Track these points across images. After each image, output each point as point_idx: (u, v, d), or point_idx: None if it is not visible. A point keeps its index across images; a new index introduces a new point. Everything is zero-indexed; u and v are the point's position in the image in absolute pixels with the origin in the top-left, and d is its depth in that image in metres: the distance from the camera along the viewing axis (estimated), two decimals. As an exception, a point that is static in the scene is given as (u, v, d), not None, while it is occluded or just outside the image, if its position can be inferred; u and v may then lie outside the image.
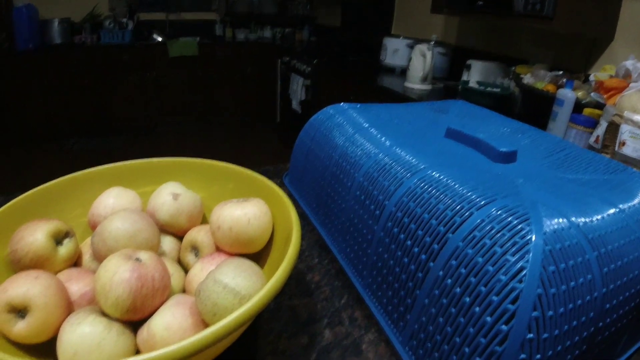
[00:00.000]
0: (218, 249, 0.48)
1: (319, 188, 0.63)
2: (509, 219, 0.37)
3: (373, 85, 2.16)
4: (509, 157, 0.53)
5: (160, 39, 3.67)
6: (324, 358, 0.45)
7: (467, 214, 0.39)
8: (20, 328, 0.37)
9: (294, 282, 0.55)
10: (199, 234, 0.49)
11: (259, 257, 0.49)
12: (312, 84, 2.81)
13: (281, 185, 0.78)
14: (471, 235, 0.38)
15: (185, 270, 0.48)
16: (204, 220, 0.55)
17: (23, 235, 0.44)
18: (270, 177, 0.81)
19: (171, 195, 0.49)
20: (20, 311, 0.38)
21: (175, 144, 3.63)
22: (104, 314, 0.38)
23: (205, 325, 0.38)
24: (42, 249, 0.43)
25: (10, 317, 0.38)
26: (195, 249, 0.49)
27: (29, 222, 0.45)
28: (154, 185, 0.55)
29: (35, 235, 0.44)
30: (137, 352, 0.38)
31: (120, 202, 0.50)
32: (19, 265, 0.43)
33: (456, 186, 0.43)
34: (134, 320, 0.39)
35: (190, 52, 3.67)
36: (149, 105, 3.76)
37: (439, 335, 0.39)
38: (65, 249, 0.45)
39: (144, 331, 0.37)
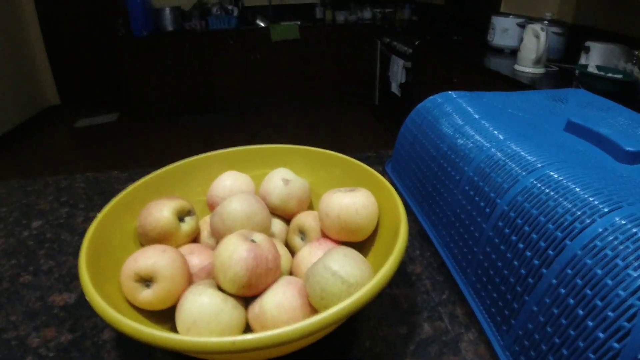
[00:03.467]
0: (324, 235, 0.49)
1: (423, 179, 0.62)
2: (634, 230, 0.34)
3: (479, 67, 2.05)
4: (636, 158, 0.48)
5: (263, 24, 3.80)
6: (422, 351, 0.45)
7: (588, 220, 0.36)
8: (146, 296, 0.42)
9: (396, 272, 0.55)
10: (307, 219, 0.51)
11: (363, 246, 0.50)
12: (413, 66, 2.74)
13: (383, 172, 0.78)
14: (592, 244, 0.35)
15: (291, 252, 0.51)
16: (311, 206, 0.57)
17: (151, 212, 0.48)
18: (372, 164, 0.82)
19: (282, 181, 0.52)
20: (146, 280, 0.42)
21: (276, 124, 3.77)
22: (220, 288, 0.41)
23: (312, 307, 0.39)
24: (168, 225, 0.48)
25: (138, 286, 0.42)
26: (302, 233, 0.51)
27: (156, 199, 0.50)
28: (265, 169, 0.58)
29: (162, 212, 0.48)
30: (247, 326, 0.41)
31: (237, 184, 0.54)
32: (146, 238, 0.48)
33: (577, 189, 0.40)
34: (246, 296, 0.42)
35: (291, 35, 3.76)
36: (252, 87, 3.94)
37: (544, 345, 0.37)
38: (187, 226, 0.50)
39: (255, 307, 0.40)
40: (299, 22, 3.82)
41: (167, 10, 3.62)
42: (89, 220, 0.70)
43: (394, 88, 3.01)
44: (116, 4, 3.64)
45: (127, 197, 0.51)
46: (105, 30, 3.78)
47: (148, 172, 0.58)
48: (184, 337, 0.32)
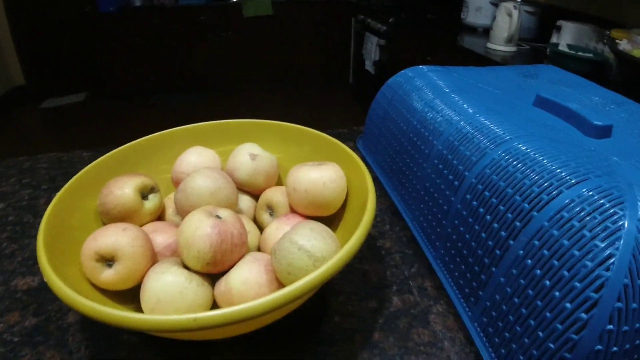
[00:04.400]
0: (293, 210, 0.49)
1: (394, 153, 0.61)
2: (601, 201, 0.34)
3: (453, 45, 2.05)
4: (604, 132, 0.49)
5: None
6: (391, 324, 0.45)
7: (555, 192, 0.37)
8: (108, 275, 0.40)
9: (366, 247, 0.55)
10: (274, 195, 0.50)
11: (332, 220, 0.49)
12: (387, 44, 2.72)
13: (354, 148, 0.78)
14: (558, 215, 0.35)
15: (260, 228, 0.50)
16: (279, 181, 0.56)
17: (112, 190, 0.46)
18: (344, 140, 0.81)
19: (249, 156, 0.51)
20: (108, 260, 0.41)
21: (251, 102, 3.72)
22: (185, 266, 0.40)
23: (280, 282, 0.39)
24: (130, 203, 0.46)
25: (99, 266, 0.40)
26: (271, 209, 0.50)
27: (117, 176, 0.48)
28: (232, 145, 0.57)
29: (124, 190, 0.46)
30: (214, 303, 0.40)
31: (202, 160, 0.52)
32: (107, 216, 0.47)
33: (544, 161, 0.40)
34: (212, 273, 0.41)
35: (264, 11, 3.68)
36: (226, 65, 3.86)
37: (512, 316, 0.38)
38: (150, 203, 0.48)
39: (221, 284, 0.39)
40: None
41: (135, -15, 3.50)
42: (51, 201, 0.68)
43: (368, 66, 2.99)
44: (81, -23, 3.48)
45: (87, 175, 0.49)
46: (71, 6, 3.61)
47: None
48: (145, 316, 0.31)
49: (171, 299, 0.37)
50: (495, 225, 0.40)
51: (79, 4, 3.48)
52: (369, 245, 0.55)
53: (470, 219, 0.44)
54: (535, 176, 0.39)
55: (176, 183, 0.53)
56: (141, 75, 3.73)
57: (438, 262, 0.50)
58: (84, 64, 3.78)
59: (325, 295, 0.48)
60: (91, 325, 0.46)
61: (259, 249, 0.47)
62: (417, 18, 2.67)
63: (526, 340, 0.36)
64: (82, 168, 0.76)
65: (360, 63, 3.21)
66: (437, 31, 2.31)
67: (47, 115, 3.53)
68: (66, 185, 0.47)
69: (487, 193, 0.42)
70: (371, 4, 3.33)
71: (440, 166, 0.49)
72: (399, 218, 0.60)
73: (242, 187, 0.52)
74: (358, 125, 0.87)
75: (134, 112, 3.48)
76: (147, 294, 0.38)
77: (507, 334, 0.38)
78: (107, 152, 0.53)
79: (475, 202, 0.43)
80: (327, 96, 3.86)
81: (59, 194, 0.45)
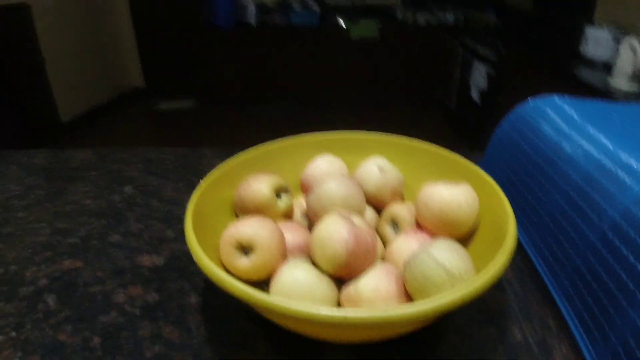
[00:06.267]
0: (419, 227, 0.49)
1: (517, 180, 0.60)
2: None
3: (569, 79, 1.94)
4: None
5: (343, 22, 3.83)
6: (511, 356, 0.43)
7: None
8: (244, 263, 0.43)
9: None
10: (400, 210, 0.50)
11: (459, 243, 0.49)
12: (496, 73, 2.64)
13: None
14: None
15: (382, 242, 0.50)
16: (402, 198, 0.56)
17: (251, 184, 0.50)
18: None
19: (378, 168, 0.52)
20: (245, 249, 0.43)
21: (348, 120, 3.77)
22: (315, 266, 0.42)
23: (408, 296, 0.39)
24: (266, 199, 0.49)
25: (237, 253, 0.43)
26: (394, 224, 0.51)
27: (254, 173, 0.52)
28: (356, 156, 0.58)
29: (261, 186, 0.50)
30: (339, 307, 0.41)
31: (332, 167, 0.54)
32: (243, 209, 0.50)
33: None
34: (340, 278, 0.42)
35: (370, 33, 3.77)
36: (328, 83, 3.99)
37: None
38: (283, 203, 0.51)
39: (350, 289, 0.40)
40: (377, 21, 3.80)
41: (251, 4, 3.76)
42: (177, 190, 0.73)
43: (474, 95, 2.91)
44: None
45: (227, 170, 0.53)
46: (190, 17, 3.95)
47: (234, 153, 0.59)
48: (296, 304, 0.31)
49: (301, 294, 0.39)
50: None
51: (198, 16, 3.80)
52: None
53: (609, 256, 0.41)
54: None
55: (304, 186, 0.56)
56: (246, 87, 3.97)
57: (560, 293, 0.47)
58: (193, 72, 4.10)
59: (443, 317, 0.47)
60: (211, 308, 0.48)
61: (382, 262, 0.48)
62: (530, 47, 2.56)
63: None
64: (205, 164, 0.82)
65: (464, 90, 3.13)
66: (551, 63, 2.20)
67: (160, 116, 3.87)
68: (209, 176, 0.50)
69: (631, 231, 0.40)
70: (479, 31, 3.25)
71: (576, 198, 0.47)
72: (518, 247, 0.57)
73: (368, 199, 0.53)
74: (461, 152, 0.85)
75: (236, 120, 3.71)
76: (279, 287, 0.40)
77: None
78: (229, 153, 0.56)
79: (617, 240, 0.41)
80: (423, 121, 3.81)
81: (203, 182, 0.49)
